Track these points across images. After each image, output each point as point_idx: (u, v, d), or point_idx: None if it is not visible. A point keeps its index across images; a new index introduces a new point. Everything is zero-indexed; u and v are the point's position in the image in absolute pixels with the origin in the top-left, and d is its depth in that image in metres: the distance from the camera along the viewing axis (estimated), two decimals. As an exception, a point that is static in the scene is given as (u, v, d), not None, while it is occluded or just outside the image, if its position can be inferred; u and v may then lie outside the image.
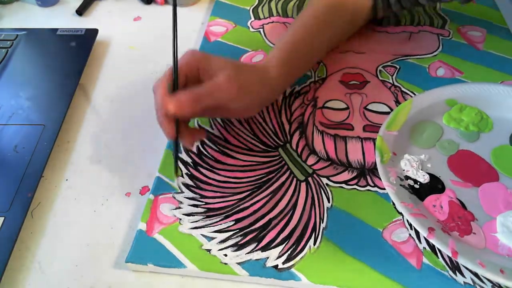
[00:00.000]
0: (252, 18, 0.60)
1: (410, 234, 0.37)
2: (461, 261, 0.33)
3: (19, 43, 0.57)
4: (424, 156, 0.42)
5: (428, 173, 0.41)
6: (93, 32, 0.58)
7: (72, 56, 0.55)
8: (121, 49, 0.57)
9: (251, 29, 0.58)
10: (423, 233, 0.35)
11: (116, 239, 0.38)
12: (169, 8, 0.64)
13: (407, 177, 0.40)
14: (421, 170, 0.41)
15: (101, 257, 0.37)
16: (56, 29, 0.59)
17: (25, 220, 0.38)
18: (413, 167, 0.41)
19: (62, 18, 0.63)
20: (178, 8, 0.63)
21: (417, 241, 0.36)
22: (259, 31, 0.58)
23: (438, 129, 0.45)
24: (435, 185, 0.40)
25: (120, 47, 0.58)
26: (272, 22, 0.59)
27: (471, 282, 0.34)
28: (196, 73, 0.38)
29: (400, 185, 0.39)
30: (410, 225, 0.37)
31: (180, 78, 0.37)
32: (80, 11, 0.63)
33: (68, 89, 0.50)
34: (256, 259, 0.35)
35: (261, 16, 0.60)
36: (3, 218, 0.38)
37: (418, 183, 0.40)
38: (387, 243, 0.36)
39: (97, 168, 0.44)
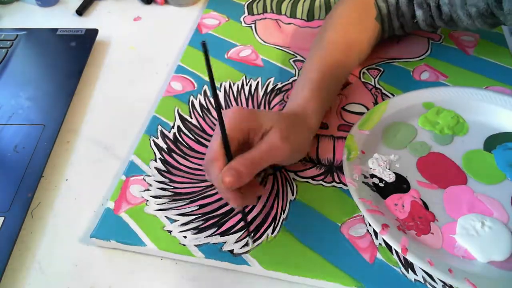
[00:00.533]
0: (246, 13, 0.61)
1: (368, 230, 0.37)
2: (410, 257, 0.34)
3: (19, 43, 0.57)
4: (394, 156, 0.42)
5: (395, 173, 0.41)
6: (93, 32, 0.59)
7: (72, 56, 0.55)
8: (121, 49, 0.58)
9: (243, 24, 0.60)
10: (377, 229, 0.35)
11: None
12: (169, 8, 0.65)
13: (373, 175, 0.41)
14: (388, 169, 0.41)
15: (101, 257, 0.37)
16: (56, 29, 0.59)
17: (25, 220, 0.38)
18: (380, 166, 0.41)
19: (62, 18, 0.64)
20: (178, 8, 0.65)
21: (373, 237, 0.37)
22: (251, 27, 0.59)
23: (412, 131, 0.45)
24: (400, 185, 0.41)
25: (120, 47, 0.59)
26: (265, 18, 0.61)
27: (422, 280, 0.34)
28: (247, 134, 0.36)
29: (363, 182, 0.40)
30: (369, 222, 0.38)
31: (233, 145, 0.35)
32: (80, 11, 0.64)
33: (68, 89, 0.50)
34: (214, 243, 0.36)
35: (255, 12, 0.62)
36: (3, 218, 0.38)
37: (383, 181, 0.41)
38: (344, 237, 0.37)
39: (97, 168, 0.44)
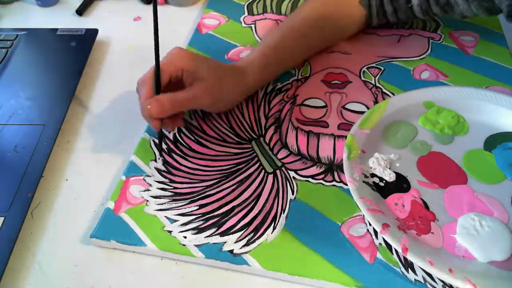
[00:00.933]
0: (246, 14, 0.61)
1: (368, 230, 0.37)
2: (410, 257, 0.34)
3: (19, 43, 0.57)
4: (394, 156, 0.42)
5: (396, 172, 0.41)
6: (93, 32, 0.59)
7: (72, 56, 0.55)
8: (121, 49, 0.58)
9: (243, 24, 0.60)
10: (377, 228, 0.35)
11: None
12: (169, 8, 0.65)
13: (373, 175, 0.41)
14: (389, 169, 0.41)
15: (101, 257, 0.37)
16: (56, 29, 0.59)
17: (25, 220, 0.38)
18: (381, 165, 0.41)
19: (62, 18, 0.64)
20: (178, 8, 0.65)
21: (374, 236, 0.37)
22: (251, 27, 0.59)
23: (413, 130, 0.45)
24: (400, 184, 0.41)
25: (120, 47, 0.59)
26: (265, 18, 0.61)
27: (422, 280, 0.34)
28: (180, 73, 0.40)
29: (364, 181, 0.40)
30: (369, 221, 0.38)
31: (164, 77, 0.39)
32: (80, 11, 0.64)
33: (68, 89, 0.50)
34: (214, 243, 0.36)
35: (255, 12, 0.62)
36: (3, 218, 0.38)
37: (384, 181, 0.41)
38: (344, 236, 0.37)
39: (97, 168, 0.44)
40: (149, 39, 0.58)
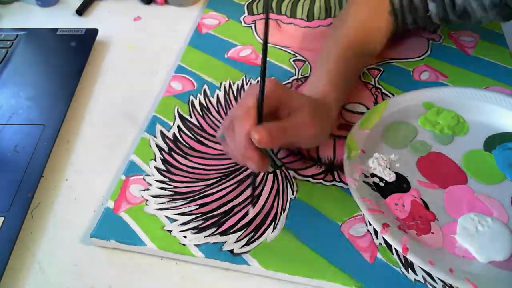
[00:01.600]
0: (246, 13, 0.61)
1: (368, 230, 0.37)
2: (410, 257, 0.34)
3: (19, 43, 0.57)
4: (394, 156, 0.42)
5: (396, 172, 0.41)
6: (93, 32, 0.58)
7: (72, 56, 0.55)
8: (121, 49, 0.58)
9: (243, 24, 0.60)
10: (377, 228, 0.35)
11: None
12: (169, 8, 0.65)
13: (373, 175, 0.41)
14: (389, 169, 0.41)
15: (101, 257, 0.37)
16: (56, 29, 0.59)
17: (25, 220, 0.38)
18: (381, 166, 0.41)
19: (62, 18, 0.64)
20: (178, 8, 0.65)
21: (374, 236, 0.37)
22: (251, 27, 0.59)
23: (413, 131, 0.45)
24: (400, 184, 0.41)
25: (120, 47, 0.58)
26: (265, 18, 0.60)
27: (422, 280, 0.34)
28: (276, 106, 0.37)
29: (364, 181, 0.40)
30: (369, 221, 0.38)
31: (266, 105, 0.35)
32: (80, 11, 0.64)
33: (68, 89, 0.50)
34: (214, 243, 0.36)
35: (255, 12, 0.62)
36: (3, 218, 0.38)
37: (384, 181, 0.41)
38: (344, 236, 0.37)
39: (97, 168, 0.44)
40: (149, 39, 0.59)
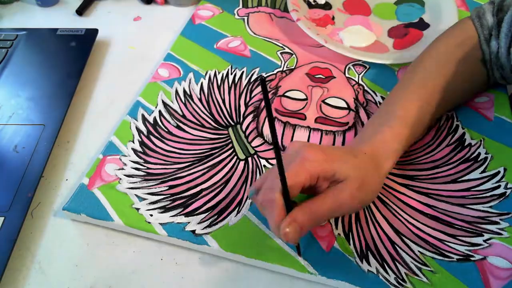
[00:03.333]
0: (240, 6, 0.62)
1: (329, 220, 0.38)
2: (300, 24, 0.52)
3: (19, 43, 0.56)
4: None
5: (326, 1, 0.61)
6: (93, 32, 0.58)
7: (72, 56, 0.55)
8: (121, 49, 0.58)
9: (236, 16, 0.61)
10: (293, 15, 0.54)
11: (116, 238, 0.39)
12: (169, 8, 0.65)
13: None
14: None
15: (101, 257, 0.38)
16: (56, 29, 0.59)
17: (25, 220, 0.38)
18: None
19: (62, 18, 0.63)
20: (178, 8, 0.65)
21: (334, 227, 0.38)
22: (243, 19, 0.60)
23: None
24: (324, 6, 0.61)
25: (120, 47, 0.59)
26: (259, 11, 0.61)
27: (375, 271, 0.35)
28: (315, 182, 0.33)
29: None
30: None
31: (294, 191, 0.32)
32: (80, 11, 0.64)
33: (68, 89, 0.50)
34: (178, 222, 0.38)
35: (249, 5, 0.63)
36: (3, 218, 0.38)
37: (315, 2, 0.61)
38: (304, 224, 0.38)
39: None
40: (149, 39, 0.60)
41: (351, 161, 0.34)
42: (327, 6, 0.61)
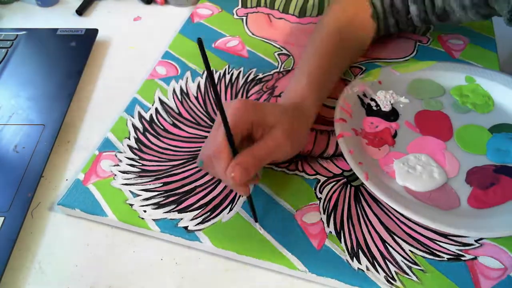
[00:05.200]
0: (239, 6, 0.63)
1: (321, 219, 0.38)
2: (340, 143, 0.40)
3: (19, 43, 0.56)
4: (404, 98, 0.46)
5: (393, 108, 0.46)
6: (93, 32, 0.58)
7: (72, 56, 0.55)
8: (121, 49, 0.58)
9: (235, 16, 0.61)
10: (336, 128, 0.42)
11: (116, 238, 0.39)
12: (169, 8, 0.66)
13: (372, 99, 0.46)
14: (391, 104, 0.46)
15: (101, 257, 0.37)
16: (56, 29, 0.59)
17: (25, 220, 0.38)
18: (386, 98, 0.45)
19: (62, 18, 0.64)
20: (178, 8, 0.65)
21: (325, 225, 0.38)
22: (242, 19, 0.61)
23: (439, 91, 0.48)
24: (388, 116, 0.45)
25: (120, 47, 0.59)
26: (258, 12, 0.62)
27: (364, 269, 0.35)
28: (248, 129, 0.37)
29: (358, 95, 0.46)
30: (324, 210, 0.39)
31: (236, 139, 0.36)
32: (80, 11, 0.64)
33: (68, 89, 0.50)
34: (171, 219, 0.38)
35: (249, 5, 0.63)
36: (3, 218, 0.38)
37: (378, 107, 0.46)
38: (296, 222, 0.38)
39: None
40: (149, 39, 0.60)
41: (279, 108, 0.39)
42: (392, 116, 0.45)
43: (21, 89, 0.51)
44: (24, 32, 0.59)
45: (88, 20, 0.64)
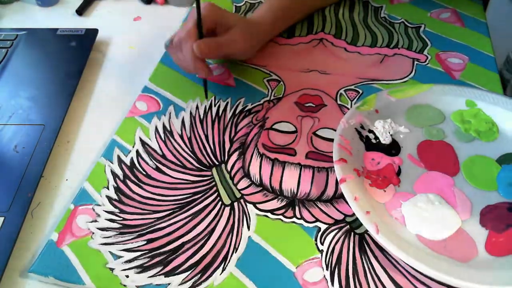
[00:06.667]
0: None
1: (324, 276, 0.35)
2: (343, 187, 0.36)
3: (19, 43, 0.57)
4: (404, 128, 0.43)
5: (393, 139, 0.42)
6: (93, 32, 0.58)
7: (72, 56, 0.55)
8: (121, 49, 0.58)
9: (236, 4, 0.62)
10: (337, 171, 0.37)
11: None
12: (169, 8, 0.65)
13: (371, 131, 0.43)
14: (390, 135, 0.42)
15: None
16: (56, 29, 0.59)
17: (25, 220, 0.38)
18: (384, 128, 0.41)
19: (62, 18, 0.64)
20: (178, 8, 0.65)
21: (329, 283, 0.34)
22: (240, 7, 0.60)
23: (439, 118, 0.44)
24: (390, 149, 0.41)
25: (120, 47, 0.58)
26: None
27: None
28: (213, 25, 0.46)
29: (356, 128, 0.42)
30: (327, 265, 0.35)
31: (203, 30, 0.44)
32: (80, 11, 0.64)
33: (68, 89, 0.50)
34: (157, 284, 0.34)
35: None
36: (3, 218, 0.38)
37: (378, 140, 0.42)
38: (297, 282, 0.34)
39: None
40: (149, 39, 0.58)
41: (239, 17, 0.49)
42: (393, 149, 0.41)
43: (21, 89, 0.51)
44: (24, 32, 0.59)
45: (88, 20, 0.64)
